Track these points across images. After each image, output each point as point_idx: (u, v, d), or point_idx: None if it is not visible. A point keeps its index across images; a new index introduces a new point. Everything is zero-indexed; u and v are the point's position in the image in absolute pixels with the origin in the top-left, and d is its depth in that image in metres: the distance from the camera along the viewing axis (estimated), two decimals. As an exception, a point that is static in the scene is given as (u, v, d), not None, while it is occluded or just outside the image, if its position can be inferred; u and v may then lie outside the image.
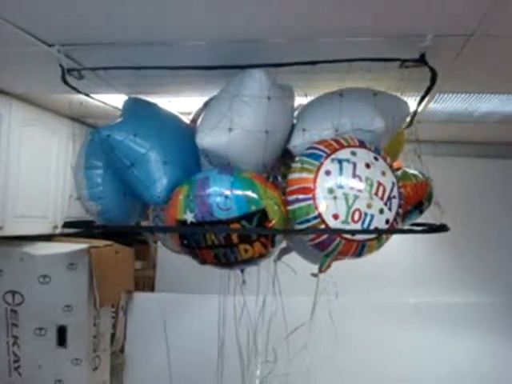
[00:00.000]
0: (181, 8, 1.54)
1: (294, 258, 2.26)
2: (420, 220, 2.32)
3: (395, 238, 3.72)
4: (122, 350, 3.42)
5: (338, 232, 1.63)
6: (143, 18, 1.63)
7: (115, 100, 2.55)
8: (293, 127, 1.91)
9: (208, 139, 1.72)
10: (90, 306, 2.73)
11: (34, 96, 2.75)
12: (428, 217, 2.31)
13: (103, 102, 2.44)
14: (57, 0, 1.52)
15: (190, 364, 3.23)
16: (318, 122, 1.85)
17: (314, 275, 1.84)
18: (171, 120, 1.97)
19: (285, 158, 1.97)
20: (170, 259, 3.72)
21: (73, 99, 2.57)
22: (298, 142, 1.85)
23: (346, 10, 1.53)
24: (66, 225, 1.94)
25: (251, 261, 1.78)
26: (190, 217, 1.69)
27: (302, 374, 2.72)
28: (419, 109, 2.11)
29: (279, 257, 2.32)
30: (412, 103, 2.11)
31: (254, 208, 1.68)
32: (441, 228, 1.87)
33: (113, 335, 3.16)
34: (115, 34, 1.76)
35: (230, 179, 1.70)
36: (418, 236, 3.56)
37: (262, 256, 1.77)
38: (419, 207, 2.24)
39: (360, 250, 1.70)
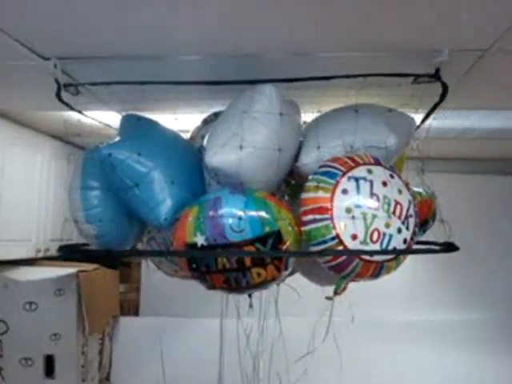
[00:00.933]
0: (184, 22, 1.47)
1: (295, 279, 2.19)
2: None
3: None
4: (107, 378, 3.26)
5: (357, 253, 1.56)
6: (143, 31, 1.55)
7: (107, 118, 2.46)
8: (300, 144, 1.85)
9: (218, 157, 1.63)
10: (79, 334, 2.58)
11: (18, 114, 2.62)
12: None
13: (97, 120, 2.33)
14: (54, 12, 1.43)
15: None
16: (331, 139, 1.79)
17: (329, 298, 1.77)
18: (173, 138, 1.89)
19: (287, 176, 1.91)
20: (154, 282, 3.64)
21: (61, 117, 2.47)
22: (308, 160, 1.79)
23: (360, 24, 1.48)
24: (62, 249, 1.81)
25: (262, 285, 1.69)
26: (200, 240, 1.60)
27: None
28: (423, 124, 2.09)
29: (283, 279, 2.25)
30: (418, 119, 2.08)
31: (268, 229, 1.60)
32: (452, 247, 1.83)
33: (99, 363, 3.01)
34: (114, 48, 1.68)
35: (243, 199, 1.62)
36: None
37: (273, 279, 1.69)
38: (423, 226, 2.19)
39: (378, 271, 1.64)
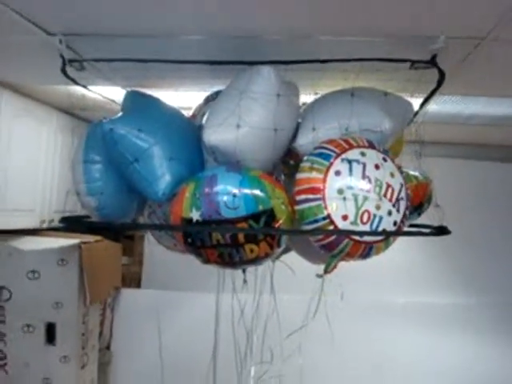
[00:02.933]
0: (186, 2, 1.51)
1: (291, 256, 2.25)
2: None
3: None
4: (108, 347, 3.36)
5: (347, 233, 1.61)
6: (148, 9, 1.58)
7: (111, 93, 2.49)
8: (298, 125, 1.89)
9: (216, 136, 1.68)
10: (80, 303, 2.66)
11: (25, 86, 2.67)
12: (423, 218, 2.33)
13: (101, 95, 2.37)
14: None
15: (181, 362, 3.19)
16: (327, 121, 1.83)
17: (319, 276, 1.82)
18: (174, 115, 1.93)
19: (285, 156, 1.94)
20: (157, 255, 3.70)
21: (67, 91, 2.51)
22: (304, 141, 1.83)
23: (358, 9, 1.51)
24: (64, 221, 1.88)
25: (256, 261, 1.75)
26: (196, 215, 1.65)
27: (296, 375, 2.71)
28: (421, 110, 2.11)
29: (277, 256, 2.30)
30: (415, 103, 2.10)
31: (261, 207, 1.64)
32: (445, 230, 1.87)
33: (100, 332, 3.09)
34: (119, 25, 1.71)
35: (239, 177, 1.66)
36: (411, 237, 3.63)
37: (266, 256, 1.74)
38: (418, 209, 2.23)
39: (367, 251, 1.69)
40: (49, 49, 1.85)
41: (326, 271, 1.78)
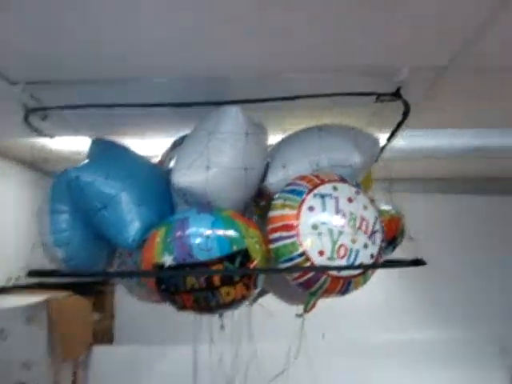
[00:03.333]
0: (154, 46, 1.51)
1: (268, 299, 2.20)
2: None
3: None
4: (81, 410, 3.18)
5: (325, 269, 1.58)
6: (115, 56, 1.57)
7: (76, 144, 2.45)
8: (267, 165, 1.88)
9: (185, 178, 1.65)
10: (51, 362, 2.53)
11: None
12: (398, 252, 2.32)
13: (65, 147, 2.32)
14: (25, 36, 1.45)
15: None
16: (297, 159, 1.83)
17: (299, 316, 1.78)
18: (141, 161, 1.90)
19: (256, 197, 1.92)
20: (128, 309, 3.60)
21: (29, 143, 2.47)
22: (275, 179, 1.82)
23: (321, 47, 1.53)
24: (31, 274, 1.79)
25: (232, 304, 1.69)
26: (168, 260, 1.60)
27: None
28: (389, 144, 2.14)
29: (254, 299, 2.25)
30: (382, 138, 2.12)
31: (235, 248, 1.61)
32: (420, 262, 1.85)
33: (73, 394, 2.94)
34: (81, 70, 1.70)
35: (211, 218, 1.63)
36: (390, 272, 3.61)
37: (243, 298, 1.69)
38: (392, 243, 2.23)
39: (346, 286, 1.65)
40: (10, 99, 1.81)
41: (306, 310, 1.73)
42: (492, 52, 1.57)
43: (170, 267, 1.59)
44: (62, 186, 1.90)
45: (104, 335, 3.54)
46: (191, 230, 1.60)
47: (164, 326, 3.43)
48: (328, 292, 1.66)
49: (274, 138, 2.02)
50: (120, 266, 2.21)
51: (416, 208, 2.26)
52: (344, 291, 1.67)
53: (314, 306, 1.74)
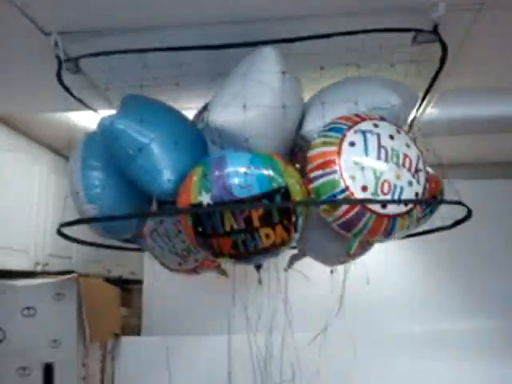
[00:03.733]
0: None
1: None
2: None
3: (394, 263, 3.60)
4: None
5: (369, 202, 1.51)
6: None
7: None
8: (303, 117, 1.83)
9: (222, 116, 1.60)
10: (80, 342, 2.46)
11: (18, 121, 2.62)
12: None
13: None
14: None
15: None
16: (334, 106, 1.77)
17: (342, 262, 1.71)
18: (174, 112, 1.87)
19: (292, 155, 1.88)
20: (156, 306, 3.53)
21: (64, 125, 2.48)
22: (313, 127, 1.77)
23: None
24: (64, 225, 1.75)
25: (272, 249, 1.63)
26: (206, 198, 1.55)
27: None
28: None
29: (290, 264, 2.18)
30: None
31: (275, 185, 1.56)
32: (462, 204, 1.76)
33: (101, 380, 2.85)
34: (115, 20, 1.70)
35: (248, 156, 1.59)
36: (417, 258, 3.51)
37: (283, 243, 1.63)
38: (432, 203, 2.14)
39: (391, 226, 1.58)
40: (45, 54, 1.81)
41: (349, 254, 1.66)
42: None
43: (208, 206, 1.55)
44: (93, 143, 1.91)
45: (131, 333, 3.45)
46: (229, 167, 1.56)
47: (193, 318, 3.37)
48: (372, 233, 1.59)
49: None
50: (151, 233, 2.18)
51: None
52: (389, 232, 1.59)
53: (357, 251, 1.67)
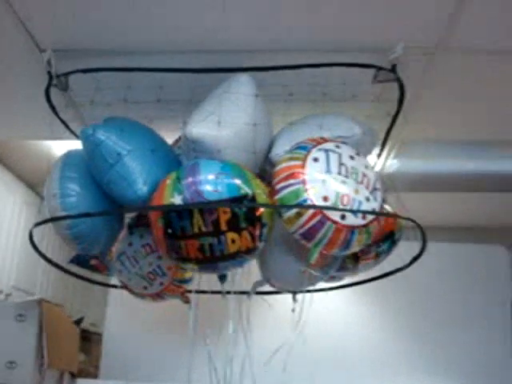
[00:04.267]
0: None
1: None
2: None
3: (357, 324, 3.64)
4: None
5: (329, 209, 1.63)
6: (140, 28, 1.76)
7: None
8: (272, 144, 1.98)
9: (197, 129, 1.74)
10: (36, 367, 2.41)
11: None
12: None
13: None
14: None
15: None
16: (300, 135, 1.92)
17: (302, 271, 1.79)
18: (151, 130, 1.99)
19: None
20: (115, 352, 3.46)
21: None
22: (280, 150, 1.91)
23: (319, 24, 1.73)
24: (39, 224, 1.82)
25: (237, 256, 1.71)
26: (178, 199, 1.65)
27: None
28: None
29: (253, 289, 2.24)
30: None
31: (243, 192, 1.67)
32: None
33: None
34: (109, 42, 1.87)
35: (220, 164, 1.71)
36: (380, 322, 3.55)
37: (248, 251, 1.71)
38: (391, 237, 2.26)
39: (350, 237, 1.69)
40: (35, 71, 1.95)
41: (310, 264, 1.75)
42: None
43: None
44: (73, 157, 2.01)
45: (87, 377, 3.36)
46: (201, 172, 1.67)
47: (154, 367, 3.32)
48: (331, 243, 1.69)
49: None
50: (120, 255, 2.23)
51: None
52: (347, 243, 1.70)
53: (317, 261, 1.75)
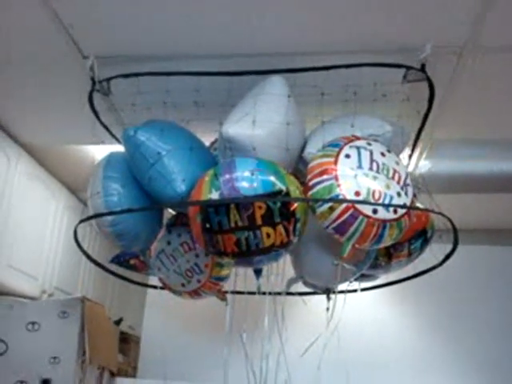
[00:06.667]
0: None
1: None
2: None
3: (390, 324, 3.64)
4: None
5: (361, 203, 1.68)
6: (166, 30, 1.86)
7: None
8: (305, 144, 2.04)
9: (233, 128, 1.82)
10: (78, 361, 2.51)
11: (41, 152, 2.84)
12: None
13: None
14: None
15: None
16: (333, 133, 1.98)
17: (335, 264, 1.84)
18: (187, 131, 2.08)
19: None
20: (153, 353, 3.54)
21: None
22: (313, 149, 1.97)
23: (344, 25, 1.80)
24: (84, 220, 1.92)
25: (271, 250, 1.77)
26: (215, 195, 1.72)
27: None
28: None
29: (288, 287, 2.29)
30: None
31: (278, 188, 1.73)
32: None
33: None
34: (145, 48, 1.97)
35: (255, 161, 1.78)
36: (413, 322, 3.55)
37: (282, 245, 1.77)
38: (423, 235, 2.29)
39: (381, 231, 1.73)
40: (78, 77, 2.07)
41: (343, 257, 1.80)
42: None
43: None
44: (115, 157, 2.11)
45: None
46: (237, 168, 1.75)
47: (191, 367, 3.39)
48: (363, 237, 1.74)
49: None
50: (159, 254, 2.31)
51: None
52: (379, 237, 1.74)
53: (350, 255, 1.80)
